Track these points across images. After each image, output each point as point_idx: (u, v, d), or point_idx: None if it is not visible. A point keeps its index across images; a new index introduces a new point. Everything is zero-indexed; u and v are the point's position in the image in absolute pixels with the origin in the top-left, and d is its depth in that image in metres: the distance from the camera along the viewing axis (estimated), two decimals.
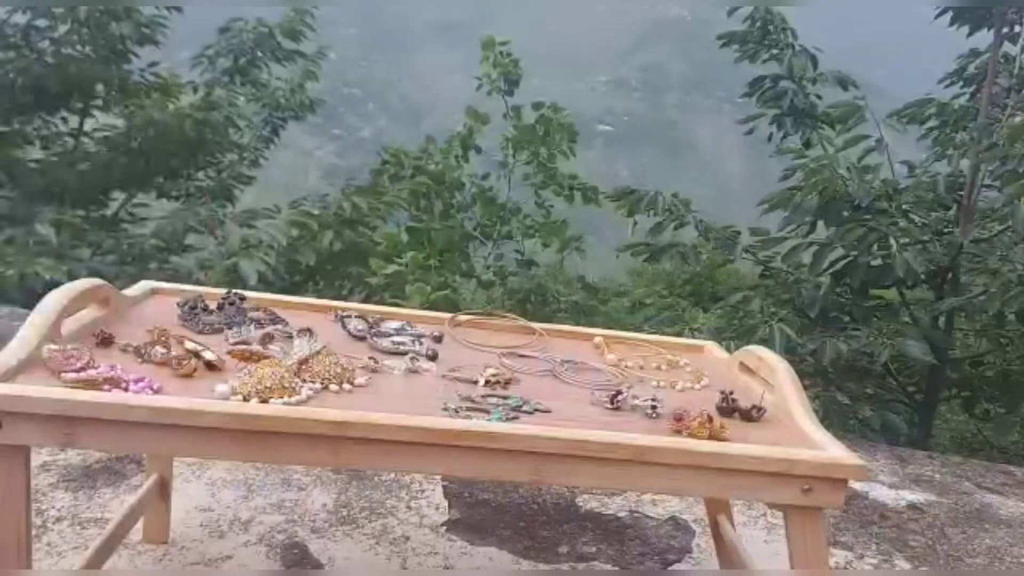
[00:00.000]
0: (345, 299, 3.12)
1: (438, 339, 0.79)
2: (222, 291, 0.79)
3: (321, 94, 4.60)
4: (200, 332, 0.71)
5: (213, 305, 0.75)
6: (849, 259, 2.51)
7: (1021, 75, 2.77)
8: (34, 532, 0.85)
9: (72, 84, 3.56)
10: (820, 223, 2.63)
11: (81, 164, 3.62)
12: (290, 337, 0.71)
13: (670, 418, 0.68)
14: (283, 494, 0.99)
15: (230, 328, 0.71)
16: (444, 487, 1.04)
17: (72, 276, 2.40)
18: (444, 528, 0.95)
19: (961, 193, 2.76)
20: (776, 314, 2.35)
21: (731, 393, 0.73)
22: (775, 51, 2.92)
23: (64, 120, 3.79)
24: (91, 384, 0.62)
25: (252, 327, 0.71)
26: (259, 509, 0.95)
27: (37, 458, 1.01)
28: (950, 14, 2.89)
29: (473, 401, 0.66)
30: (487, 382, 0.70)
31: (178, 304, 0.75)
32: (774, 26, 2.92)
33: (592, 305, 3.95)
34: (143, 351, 0.66)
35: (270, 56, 4.18)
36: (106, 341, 0.69)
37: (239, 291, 0.78)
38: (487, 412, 0.64)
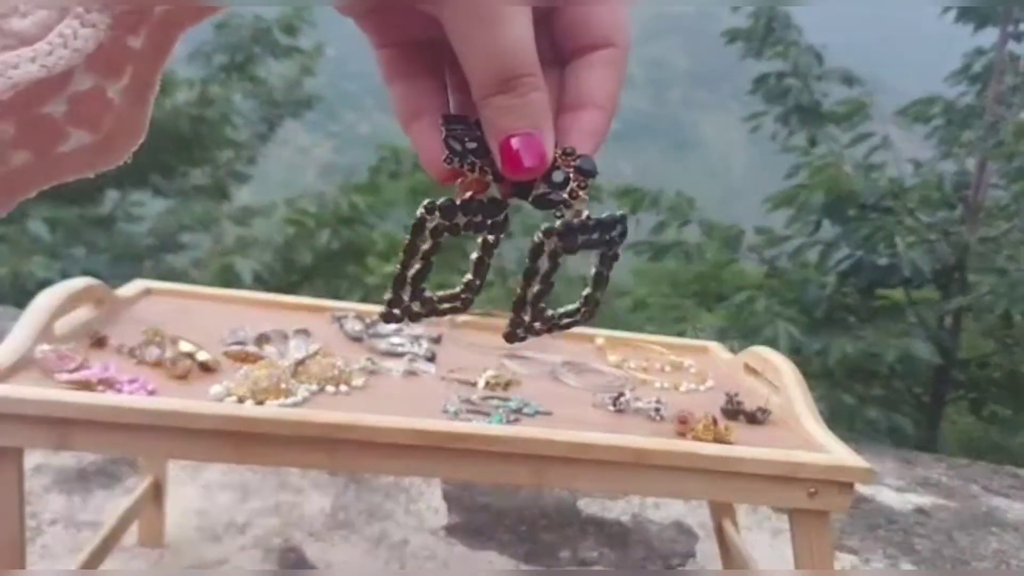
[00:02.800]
0: (342, 299, 3.09)
1: (437, 340, 0.78)
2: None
3: (318, 90, 4.57)
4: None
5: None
6: (855, 258, 2.50)
7: None
8: (28, 535, 0.84)
9: None
10: (826, 222, 2.61)
11: None
12: (286, 338, 0.70)
13: (674, 420, 0.67)
14: (279, 497, 0.98)
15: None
16: (443, 490, 1.02)
17: (66, 275, 2.39)
18: (443, 532, 0.94)
19: (968, 191, 2.74)
20: (781, 314, 2.33)
21: (736, 395, 0.72)
22: (780, 48, 2.90)
23: None
24: (85, 385, 0.61)
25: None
26: (255, 512, 0.94)
27: (31, 460, 1.00)
28: (955, 11, 2.87)
29: (473, 403, 0.64)
30: (487, 384, 0.68)
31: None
32: (779, 22, 2.89)
33: None
34: (137, 352, 0.65)
35: (267, 52, 4.15)
36: (100, 342, 0.68)
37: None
38: (487, 414, 0.63)
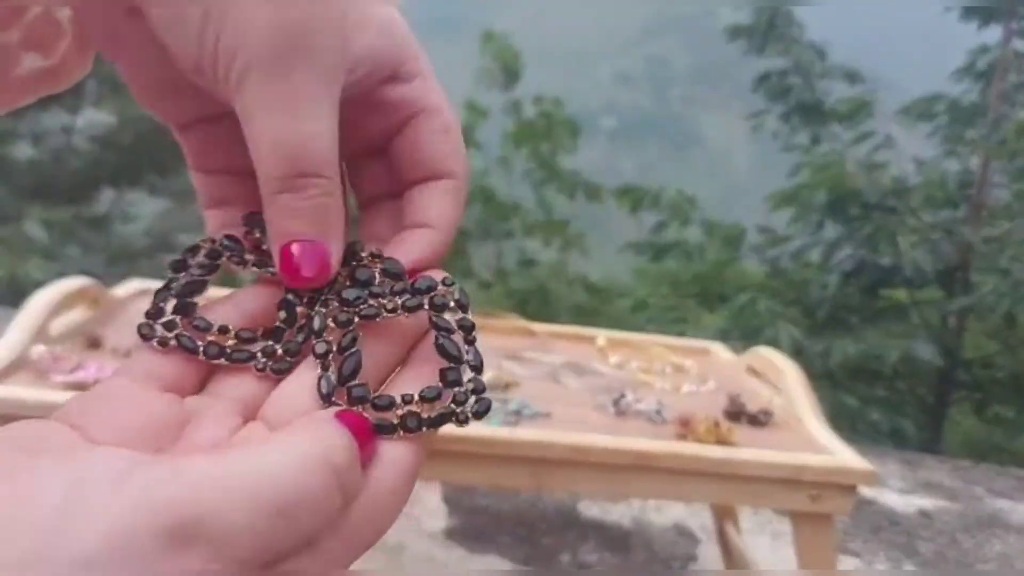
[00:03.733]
0: None
1: None
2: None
3: None
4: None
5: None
6: (858, 258, 2.49)
7: None
8: None
9: None
10: (828, 222, 2.60)
11: (72, 161, 3.61)
12: None
13: (675, 422, 0.66)
14: None
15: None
16: (443, 493, 1.02)
17: (63, 276, 2.39)
18: (442, 535, 0.93)
19: (971, 190, 2.72)
20: (783, 315, 2.33)
21: (738, 396, 0.71)
22: (782, 45, 2.88)
23: (56, 116, 3.77)
24: (80, 387, 0.60)
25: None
26: None
27: None
28: (959, 9, 2.85)
29: None
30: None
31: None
32: (781, 19, 2.88)
33: (594, 305, 3.93)
34: (132, 353, 0.65)
35: None
36: (95, 343, 0.67)
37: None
38: None
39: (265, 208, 0.19)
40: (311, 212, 0.18)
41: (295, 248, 0.18)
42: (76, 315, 0.71)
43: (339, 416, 0.16)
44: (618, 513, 1.03)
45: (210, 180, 0.21)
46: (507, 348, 0.78)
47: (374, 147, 0.21)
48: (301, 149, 0.18)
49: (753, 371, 0.83)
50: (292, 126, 0.18)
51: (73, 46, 0.21)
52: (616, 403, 0.68)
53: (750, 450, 0.64)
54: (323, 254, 0.19)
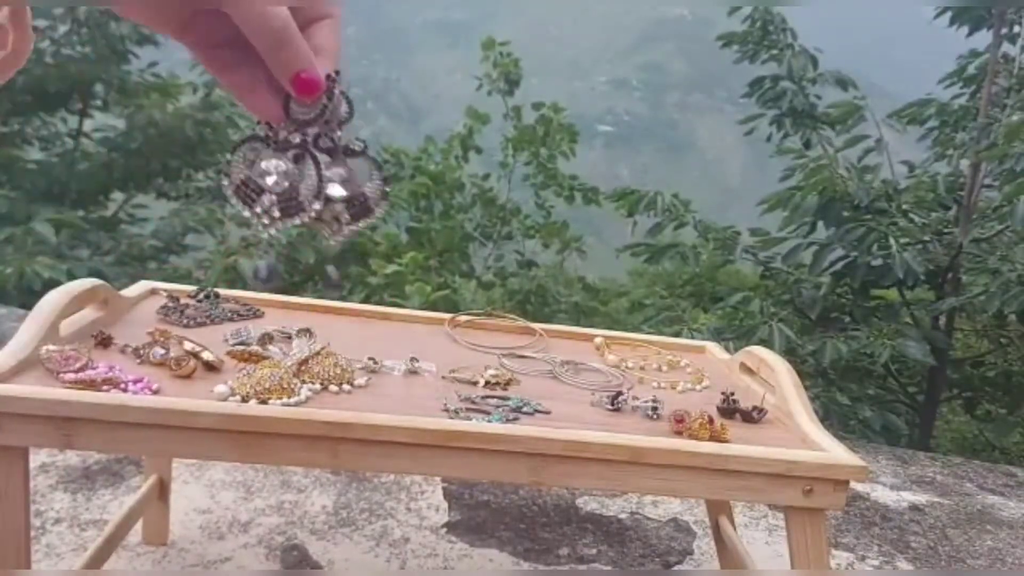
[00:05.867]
0: (345, 299, 3.13)
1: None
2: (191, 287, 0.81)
3: None
4: (185, 327, 0.72)
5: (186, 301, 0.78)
6: (849, 259, 2.52)
7: (1020, 75, 2.77)
8: (33, 533, 0.85)
9: (71, 84, 3.58)
10: (820, 223, 2.63)
11: (80, 164, 3.64)
12: (289, 338, 0.70)
13: (671, 419, 0.68)
14: (282, 496, 0.98)
15: (211, 320, 0.73)
16: (444, 488, 1.03)
17: (71, 276, 2.41)
18: (444, 530, 0.95)
19: (961, 193, 2.76)
20: (776, 314, 2.35)
21: (732, 394, 0.73)
22: (775, 51, 2.92)
23: (63, 120, 3.80)
24: (90, 385, 0.61)
25: (230, 318, 0.73)
26: (258, 511, 0.95)
27: (36, 459, 1.01)
28: (949, 14, 2.90)
29: (473, 402, 0.65)
30: (487, 383, 0.69)
31: (158, 309, 0.76)
32: (774, 26, 2.92)
33: (592, 306, 3.96)
34: (142, 352, 0.66)
35: None
36: (105, 342, 0.68)
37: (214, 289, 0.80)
38: (487, 413, 0.64)
39: (272, 65, 0.34)
40: (304, 56, 0.34)
41: (303, 75, 0.34)
42: (86, 315, 0.72)
43: None
44: (616, 507, 1.04)
45: (236, 76, 0.35)
46: (507, 347, 0.80)
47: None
48: (279, 19, 0.32)
49: (747, 369, 0.84)
50: (267, 10, 0.32)
51: (17, 36, 0.32)
52: (613, 400, 0.69)
53: (743, 446, 0.65)
54: (318, 76, 0.34)
